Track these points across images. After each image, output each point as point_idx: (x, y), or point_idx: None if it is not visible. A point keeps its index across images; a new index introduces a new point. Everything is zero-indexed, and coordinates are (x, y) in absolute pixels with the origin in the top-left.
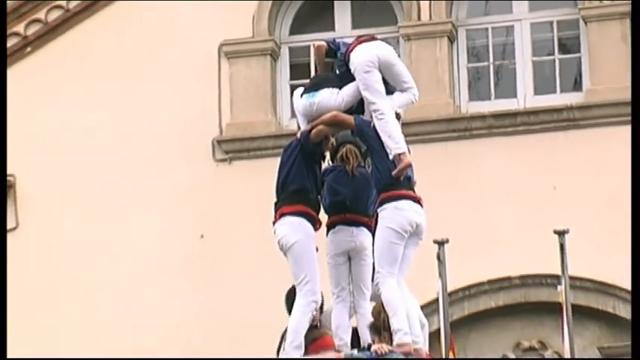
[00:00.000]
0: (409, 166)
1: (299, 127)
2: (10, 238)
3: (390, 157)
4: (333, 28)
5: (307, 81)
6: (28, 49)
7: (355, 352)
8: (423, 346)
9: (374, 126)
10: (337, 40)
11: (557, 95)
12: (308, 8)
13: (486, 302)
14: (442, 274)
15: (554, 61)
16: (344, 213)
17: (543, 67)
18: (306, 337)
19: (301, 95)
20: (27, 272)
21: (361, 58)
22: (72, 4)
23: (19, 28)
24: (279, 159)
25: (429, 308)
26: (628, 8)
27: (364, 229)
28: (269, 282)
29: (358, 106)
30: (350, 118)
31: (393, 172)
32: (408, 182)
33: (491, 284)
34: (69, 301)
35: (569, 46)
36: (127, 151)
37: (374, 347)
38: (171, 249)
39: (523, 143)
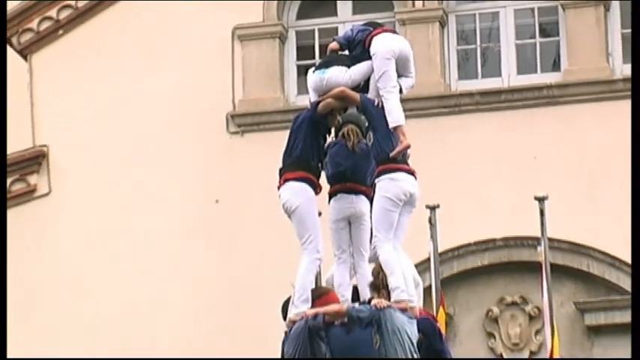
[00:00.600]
0: (408, 147)
1: (310, 102)
2: (44, 203)
3: (390, 127)
4: (335, 14)
5: (312, 61)
6: (60, 31)
7: (356, 304)
8: (417, 303)
9: (377, 104)
10: (352, 28)
11: (538, 75)
12: None
13: (473, 261)
14: (433, 236)
15: (535, 44)
16: (344, 182)
17: (525, 50)
18: (313, 293)
19: (313, 71)
20: (59, 234)
21: (386, 46)
22: None
23: (52, 12)
24: (286, 133)
25: (422, 267)
26: None
27: (363, 197)
28: (278, 242)
29: (363, 85)
30: (356, 95)
31: (392, 154)
32: (403, 157)
33: (477, 245)
34: (96, 257)
35: (548, 30)
36: (149, 123)
37: (374, 302)
38: (190, 212)
39: (507, 118)
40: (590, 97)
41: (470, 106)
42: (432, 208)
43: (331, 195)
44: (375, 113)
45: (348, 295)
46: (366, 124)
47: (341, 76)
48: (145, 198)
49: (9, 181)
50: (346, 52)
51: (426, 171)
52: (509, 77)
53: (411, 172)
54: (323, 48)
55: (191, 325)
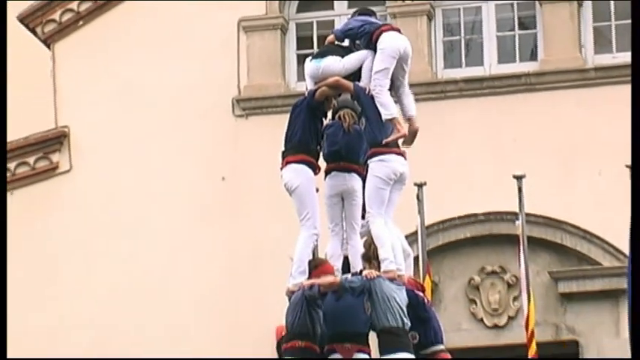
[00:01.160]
0: (403, 136)
1: (307, 88)
2: (65, 180)
3: (383, 119)
4: (332, 8)
5: (310, 51)
6: (81, 22)
7: (348, 276)
8: (407, 272)
9: (368, 92)
10: (357, 19)
11: (517, 64)
12: None
13: (457, 234)
14: (421, 211)
15: (514, 36)
16: (339, 161)
17: (505, 41)
18: (309, 264)
19: (310, 60)
20: (78, 206)
21: (394, 43)
22: None
23: (74, 5)
24: (287, 115)
25: (410, 239)
26: None
27: (355, 175)
28: (281, 217)
29: (356, 74)
30: (349, 84)
31: (385, 140)
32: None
33: (461, 219)
34: (111, 227)
35: (526, 23)
36: (161, 107)
37: (365, 272)
38: (199, 188)
39: (488, 103)
40: (564, 84)
41: (454, 93)
42: (420, 186)
43: (327, 172)
44: (366, 101)
45: (339, 265)
46: (360, 109)
47: (335, 65)
48: (157, 174)
49: (33, 158)
50: (346, 43)
51: (415, 151)
52: (491, 66)
53: (401, 154)
54: (321, 39)
55: (200, 293)
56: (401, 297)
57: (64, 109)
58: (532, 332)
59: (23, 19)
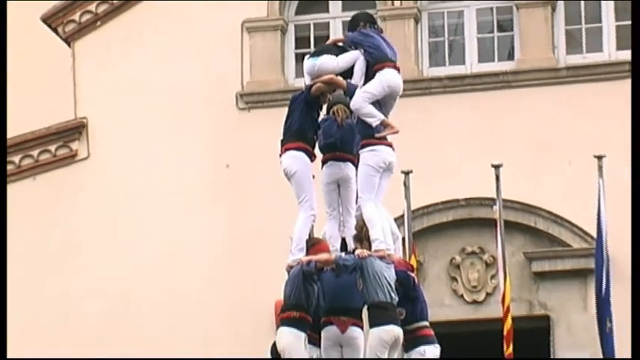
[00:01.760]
0: (396, 132)
1: (305, 84)
2: (83, 166)
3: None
4: (327, 10)
5: (308, 50)
6: (98, 23)
7: (342, 254)
8: (394, 252)
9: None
10: (369, 33)
11: (496, 63)
12: None
13: (440, 218)
14: (407, 197)
15: (493, 37)
16: (335, 152)
17: (485, 42)
18: (307, 243)
19: (308, 58)
20: (95, 190)
21: (393, 80)
22: None
23: (92, 7)
24: (286, 108)
25: (397, 222)
26: None
27: (350, 164)
28: (281, 200)
29: (349, 72)
30: (342, 81)
31: (377, 135)
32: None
33: (444, 204)
34: (126, 210)
35: (504, 26)
36: (172, 100)
37: (357, 252)
38: (205, 174)
39: (469, 99)
40: (538, 82)
41: (439, 89)
42: (406, 173)
43: (324, 162)
44: None
45: (338, 245)
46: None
47: (330, 62)
48: (166, 161)
49: (55, 146)
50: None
51: (402, 142)
52: (472, 65)
53: (389, 145)
54: (317, 39)
55: (206, 269)
56: (390, 274)
57: (82, 101)
58: (508, 307)
59: (46, 20)
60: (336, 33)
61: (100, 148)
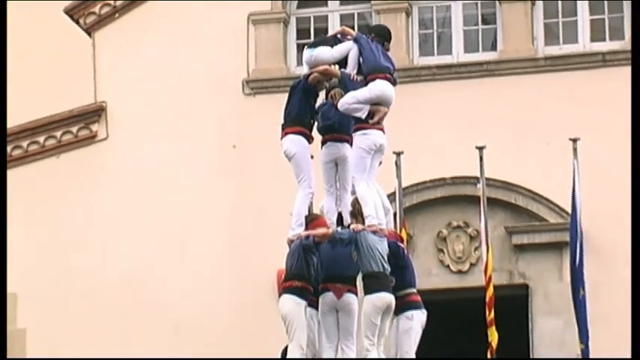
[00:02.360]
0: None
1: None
2: (102, 146)
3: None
4: (326, 5)
5: (308, 41)
6: (117, 15)
7: (339, 229)
8: (388, 226)
9: (353, 78)
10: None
11: (480, 53)
12: None
13: (429, 195)
14: (398, 175)
15: (478, 30)
16: (332, 133)
17: (470, 34)
18: (306, 218)
19: (306, 49)
20: (114, 168)
21: (382, 90)
22: None
23: (111, 0)
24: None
25: (389, 198)
26: None
27: (346, 145)
28: (281, 177)
29: (343, 63)
30: (336, 71)
31: (371, 121)
32: (372, 117)
33: (432, 182)
34: (142, 186)
35: (488, 19)
36: (183, 86)
37: (352, 226)
38: (214, 154)
39: (456, 86)
40: (519, 70)
41: (428, 77)
42: (398, 154)
43: (323, 143)
44: (350, 85)
45: (334, 219)
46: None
47: (325, 53)
48: (178, 142)
49: (76, 128)
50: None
51: (394, 126)
52: (458, 55)
53: (380, 129)
54: (316, 30)
55: (214, 241)
56: (382, 247)
57: (102, 87)
58: (490, 277)
59: (68, 12)
60: (334, 25)
61: (118, 130)
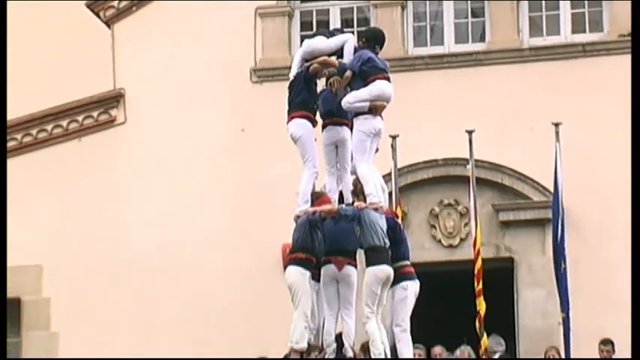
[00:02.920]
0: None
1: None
2: (121, 129)
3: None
4: None
5: (312, 32)
6: (134, 8)
7: (343, 206)
8: (384, 204)
9: (350, 68)
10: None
11: (470, 44)
12: None
13: (422, 175)
14: (394, 157)
15: (467, 22)
16: (332, 117)
17: (461, 26)
18: (312, 196)
19: (306, 40)
20: (131, 151)
21: (382, 89)
22: None
23: None
24: None
25: (386, 178)
26: None
27: (345, 128)
28: (288, 159)
29: (340, 53)
30: (334, 61)
31: (373, 114)
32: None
33: (425, 163)
34: (158, 167)
35: (477, 13)
36: (196, 74)
37: (356, 204)
38: (224, 137)
39: (447, 75)
40: (505, 60)
41: (421, 66)
42: (393, 137)
43: (323, 127)
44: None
45: (336, 197)
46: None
47: (322, 43)
48: (191, 126)
49: (97, 113)
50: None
51: (390, 111)
52: (449, 46)
53: (379, 114)
54: (319, 23)
55: (224, 218)
56: (382, 223)
57: (120, 74)
58: (478, 251)
59: (89, 6)
60: (336, 18)
61: (135, 114)
